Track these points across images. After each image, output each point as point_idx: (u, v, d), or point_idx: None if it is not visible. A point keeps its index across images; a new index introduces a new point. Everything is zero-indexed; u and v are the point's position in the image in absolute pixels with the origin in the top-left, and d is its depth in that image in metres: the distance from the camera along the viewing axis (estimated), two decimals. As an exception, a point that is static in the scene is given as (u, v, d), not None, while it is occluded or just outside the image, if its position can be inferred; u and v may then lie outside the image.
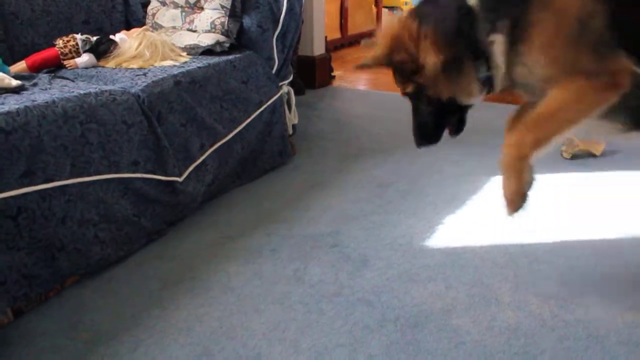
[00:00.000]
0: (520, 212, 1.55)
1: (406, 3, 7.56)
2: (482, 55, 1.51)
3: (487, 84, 1.56)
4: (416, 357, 1.55)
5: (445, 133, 1.75)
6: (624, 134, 1.52)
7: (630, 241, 2.13)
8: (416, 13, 1.57)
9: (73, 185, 1.82)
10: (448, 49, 1.52)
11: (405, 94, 1.69)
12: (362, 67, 1.64)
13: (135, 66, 2.40)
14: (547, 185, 2.63)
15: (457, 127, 1.74)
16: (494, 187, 2.60)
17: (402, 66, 1.59)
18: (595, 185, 2.62)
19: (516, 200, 1.54)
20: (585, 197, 2.48)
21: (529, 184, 1.52)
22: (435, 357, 1.55)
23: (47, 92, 1.93)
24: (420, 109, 1.69)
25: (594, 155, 2.91)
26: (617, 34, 1.37)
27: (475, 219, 2.32)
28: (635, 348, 1.57)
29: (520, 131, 1.49)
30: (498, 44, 1.47)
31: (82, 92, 1.93)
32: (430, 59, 1.53)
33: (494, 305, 1.77)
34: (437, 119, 1.69)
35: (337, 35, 6.22)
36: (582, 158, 2.90)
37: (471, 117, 1.74)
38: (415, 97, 1.68)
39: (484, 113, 1.62)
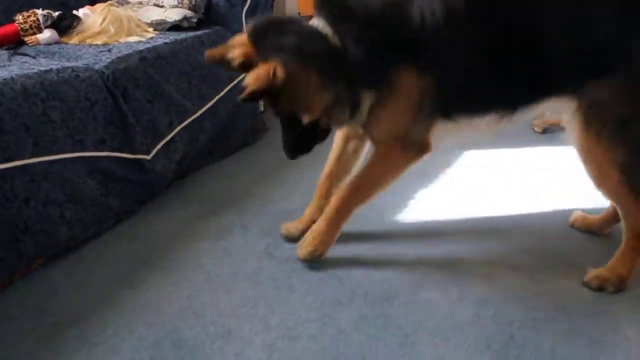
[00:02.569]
0: None
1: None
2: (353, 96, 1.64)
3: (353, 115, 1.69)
4: (385, 330, 1.56)
5: None
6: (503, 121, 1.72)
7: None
8: (275, 48, 1.53)
9: (36, 164, 1.78)
10: (329, 90, 1.60)
11: (277, 114, 1.70)
12: (247, 100, 1.54)
13: (99, 42, 2.33)
14: (518, 159, 2.65)
15: (321, 138, 1.78)
16: (466, 162, 2.61)
17: (284, 96, 1.56)
18: (565, 159, 2.64)
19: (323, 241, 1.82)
20: (556, 170, 2.50)
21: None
22: (405, 331, 1.56)
23: (6, 69, 1.86)
24: (294, 126, 1.69)
25: (565, 129, 2.93)
26: (438, 99, 1.62)
27: (447, 193, 2.33)
28: (599, 317, 1.60)
29: (345, 192, 1.79)
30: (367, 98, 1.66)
31: (42, 68, 1.88)
32: (319, 101, 1.60)
33: (463, 278, 1.78)
34: (312, 137, 1.73)
35: (311, 10, 6.15)
36: (553, 132, 2.92)
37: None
38: (289, 118, 1.68)
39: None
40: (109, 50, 2.21)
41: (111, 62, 2.09)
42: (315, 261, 1.81)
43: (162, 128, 2.27)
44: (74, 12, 2.48)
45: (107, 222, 2.06)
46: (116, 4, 2.63)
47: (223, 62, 1.64)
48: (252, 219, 2.15)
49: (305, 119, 1.63)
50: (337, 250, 1.93)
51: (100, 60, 2.11)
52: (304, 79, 1.53)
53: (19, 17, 2.35)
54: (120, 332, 1.58)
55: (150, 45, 2.29)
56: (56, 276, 1.84)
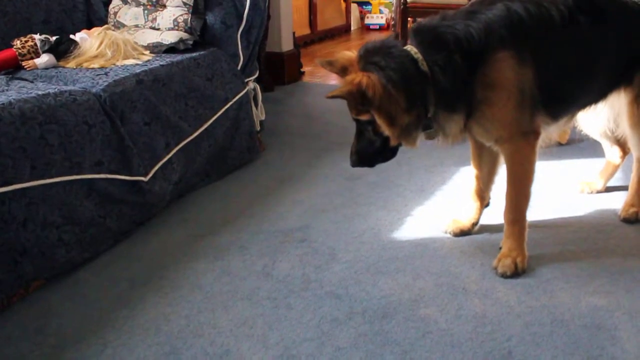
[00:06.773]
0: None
1: (375, -3, 7.57)
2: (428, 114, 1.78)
3: (431, 135, 1.85)
4: (384, 347, 1.56)
5: None
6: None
7: (592, 227, 2.17)
8: (377, 65, 1.69)
9: (34, 187, 1.79)
10: (411, 112, 1.74)
11: (356, 119, 1.80)
12: (333, 97, 1.73)
13: (96, 66, 2.36)
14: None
15: (387, 158, 1.90)
16: (463, 178, 2.62)
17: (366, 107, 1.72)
18: (560, 173, 2.66)
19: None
20: (551, 185, 2.52)
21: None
22: (403, 347, 1.56)
23: (4, 93, 1.88)
24: (365, 136, 1.82)
25: (560, 144, 2.95)
26: (540, 90, 1.78)
27: (444, 210, 2.34)
28: (597, 331, 1.60)
29: (508, 205, 1.92)
30: (454, 120, 1.80)
31: (40, 92, 1.90)
32: (401, 120, 1.73)
33: (461, 294, 1.79)
34: (379, 151, 1.84)
35: (306, 31, 6.21)
36: (547, 146, 2.93)
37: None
38: (364, 126, 1.80)
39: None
40: (106, 74, 2.23)
41: (108, 86, 2.12)
42: (522, 274, 1.88)
43: (159, 150, 2.28)
44: (71, 36, 2.50)
45: (105, 243, 2.07)
46: (112, 28, 2.67)
47: (330, 63, 1.82)
48: (249, 238, 2.16)
49: (385, 132, 1.76)
50: (334, 268, 1.94)
51: (98, 83, 2.13)
52: (394, 97, 1.69)
53: (17, 42, 2.38)
54: (118, 352, 1.58)
55: (146, 68, 2.32)
56: (54, 298, 1.84)
